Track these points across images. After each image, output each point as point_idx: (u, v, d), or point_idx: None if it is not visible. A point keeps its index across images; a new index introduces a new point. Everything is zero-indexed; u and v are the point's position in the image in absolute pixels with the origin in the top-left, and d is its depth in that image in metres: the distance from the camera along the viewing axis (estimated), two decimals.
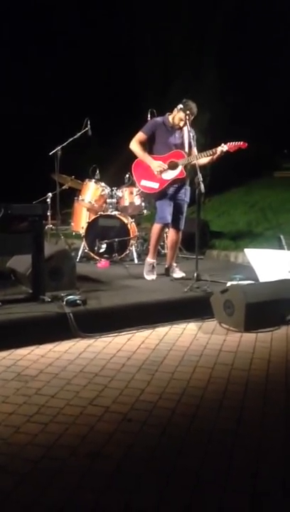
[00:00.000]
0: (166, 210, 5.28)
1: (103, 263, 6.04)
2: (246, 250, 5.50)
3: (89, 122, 6.51)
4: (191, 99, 5.27)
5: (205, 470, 2.32)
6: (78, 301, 4.15)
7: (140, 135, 5.30)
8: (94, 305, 4.25)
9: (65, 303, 4.11)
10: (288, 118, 10.32)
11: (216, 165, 6.68)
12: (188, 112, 5.08)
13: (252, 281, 4.90)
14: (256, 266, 5.12)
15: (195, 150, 5.14)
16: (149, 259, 5.42)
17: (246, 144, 5.07)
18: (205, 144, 6.34)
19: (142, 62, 10.69)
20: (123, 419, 2.75)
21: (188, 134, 5.25)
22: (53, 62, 10.38)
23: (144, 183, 5.33)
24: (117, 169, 6.81)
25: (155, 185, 5.27)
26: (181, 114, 5.14)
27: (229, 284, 4.74)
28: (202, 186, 4.82)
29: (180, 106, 5.14)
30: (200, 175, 4.85)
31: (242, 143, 5.06)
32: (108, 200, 6.37)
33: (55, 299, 4.22)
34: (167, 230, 5.74)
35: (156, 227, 5.37)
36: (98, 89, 10.62)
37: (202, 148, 5.28)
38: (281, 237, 5.73)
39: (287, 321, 4.48)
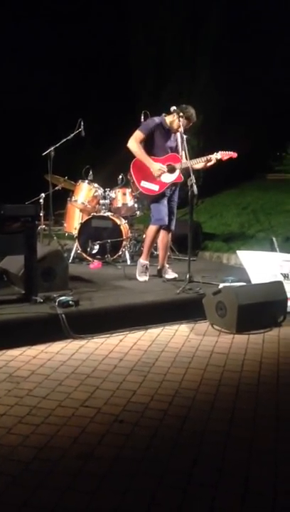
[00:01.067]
0: (163, 211, 5.29)
1: (95, 264, 6.04)
2: (238, 252, 5.51)
3: (82, 123, 6.51)
4: (185, 100, 5.29)
5: (196, 471, 2.32)
6: (70, 302, 4.14)
7: (139, 134, 5.23)
8: (86, 306, 4.24)
9: (57, 304, 4.10)
10: (282, 120, 10.36)
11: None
12: (182, 115, 5.06)
13: (244, 283, 4.91)
14: (248, 268, 5.13)
15: (183, 153, 5.23)
16: (142, 261, 5.42)
17: (236, 155, 5.33)
18: (198, 146, 6.37)
19: (136, 63, 10.70)
20: (115, 421, 2.75)
21: (181, 137, 5.26)
22: (48, 61, 10.37)
23: (145, 184, 5.31)
24: (110, 170, 6.81)
25: (155, 188, 5.28)
26: (181, 121, 5.12)
27: (221, 285, 4.74)
28: (195, 188, 4.83)
29: (180, 113, 5.10)
30: (193, 176, 4.87)
31: (233, 153, 5.31)
32: (101, 201, 6.36)
33: (47, 300, 4.21)
34: None
35: (153, 229, 5.38)
36: (92, 90, 10.61)
37: (194, 149, 5.31)
38: (274, 239, 5.76)
39: (279, 322, 4.50)
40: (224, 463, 2.39)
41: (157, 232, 5.40)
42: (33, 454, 2.40)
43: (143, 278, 5.35)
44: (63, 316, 3.95)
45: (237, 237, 7.86)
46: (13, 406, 2.88)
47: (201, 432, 2.67)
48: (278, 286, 4.66)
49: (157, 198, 5.31)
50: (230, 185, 10.32)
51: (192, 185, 4.83)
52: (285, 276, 5.02)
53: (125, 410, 2.88)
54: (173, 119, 5.21)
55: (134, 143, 5.22)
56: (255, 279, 5.00)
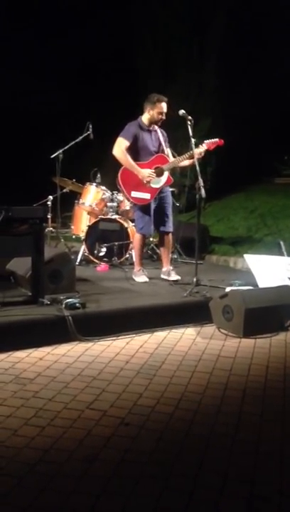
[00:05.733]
0: (148, 221, 5.23)
1: (102, 267, 6.04)
2: (245, 256, 5.50)
3: (91, 126, 6.53)
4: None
5: (202, 475, 2.32)
6: (77, 305, 4.15)
7: (123, 141, 5.11)
8: (93, 308, 4.25)
9: (64, 306, 4.11)
10: (289, 124, 10.32)
11: (216, 170, 6.58)
12: (166, 100, 5.09)
13: (251, 287, 4.90)
14: (255, 272, 5.11)
15: (168, 150, 5.25)
16: (136, 267, 5.45)
17: (223, 141, 5.14)
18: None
19: (143, 66, 10.69)
20: (120, 424, 2.75)
21: (161, 135, 5.25)
22: (55, 63, 10.40)
23: (135, 194, 5.19)
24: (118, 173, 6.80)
25: (147, 196, 5.18)
26: (159, 106, 5.10)
27: (228, 289, 4.74)
28: (202, 191, 4.80)
29: (154, 99, 5.14)
30: (201, 180, 4.82)
31: (218, 140, 5.14)
32: (108, 204, 6.37)
33: (54, 302, 4.22)
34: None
35: (137, 238, 5.40)
36: (99, 92, 10.62)
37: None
38: (281, 243, 5.73)
39: (286, 327, 4.49)
40: (230, 467, 2.39)
41: (142, 240, 5.41)
42: (38, 456, 2.41)
43: (142, 279, 5.33)
44: (70, 318, 3.95)
45: (244, 240, 7.84)
46: (19, 408, 2.89)
47: (207, 436, 2.66)
48: (285, 290, 4.65)
49: (141, 206, 5.25)
50: (238, 189, 10.29)
51: (200, 189, 4.80)
52: None
53: (131, 413, 2.88)
54: (151, 113, 5.18)
55: (120, 150, 5.11)
56: (262, 283, 4.99)
